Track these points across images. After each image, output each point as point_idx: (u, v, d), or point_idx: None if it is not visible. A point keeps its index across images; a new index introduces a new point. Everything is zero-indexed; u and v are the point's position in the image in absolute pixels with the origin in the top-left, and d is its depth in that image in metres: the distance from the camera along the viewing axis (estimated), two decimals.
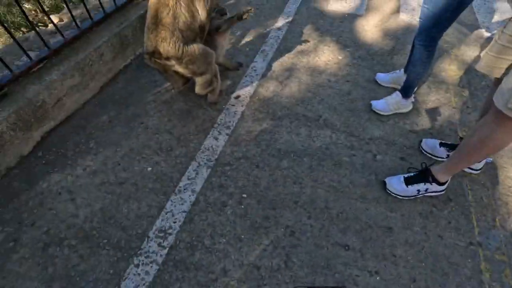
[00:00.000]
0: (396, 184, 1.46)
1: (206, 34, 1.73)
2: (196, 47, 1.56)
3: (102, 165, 1.57)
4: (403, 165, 1.62)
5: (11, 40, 1.53)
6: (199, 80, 1.71)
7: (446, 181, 1.43)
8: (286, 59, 2.27)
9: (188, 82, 1.88)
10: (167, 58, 1.52)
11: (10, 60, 1.68)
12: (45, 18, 2.10)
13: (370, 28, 2.64)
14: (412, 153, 1.69)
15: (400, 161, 1.65)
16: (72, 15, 1.72)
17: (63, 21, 2.17)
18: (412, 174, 1.47)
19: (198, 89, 1.77)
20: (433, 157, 1.64)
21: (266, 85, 2.06)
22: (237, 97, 1.97)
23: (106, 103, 1.90)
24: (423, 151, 1.68)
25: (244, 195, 1.48)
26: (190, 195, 1.47)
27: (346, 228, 1.38)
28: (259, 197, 1.47)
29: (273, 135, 1.75)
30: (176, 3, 1.45)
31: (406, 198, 1.47)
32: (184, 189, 1.49)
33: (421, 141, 1.70)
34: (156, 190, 1.48)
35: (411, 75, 1.72)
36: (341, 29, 2.61)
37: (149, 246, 1.29)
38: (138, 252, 1.28)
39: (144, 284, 1.19)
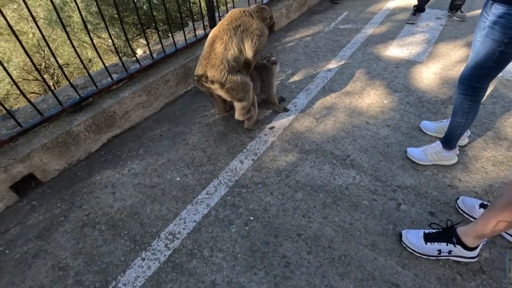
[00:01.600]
0: (413, 238, 1.32)
1: (252, 70, 1.96)
2: (238, 77, 1.78)
3: (143, 169, 1.85)
4: (430, 220, 1.46)
5: (111, 62, 2.02)
6: (237, 106, 1.92)
7: (476, 247, 1.23)
8: (328, 98, 2.34)
9: (230, 110, 2.10)
10: (212, 82, 1.77)
11: (100, 79, 2.19)
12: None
13: (428, 76, 2.52)
14: (445, 209, 1.51)
15: (428, 216, 1.48)
16: (149, 49, 2.17)
17: (146, 53, 2.73)
18: (434, 230, 1.32)
19: (237, 114, 1.97)
20: (470, 218, 1.44)
21: (302, 120, 2.14)
22: (272, 128, 2.10)
23: (162, 120, 2.26)
24: (459, 210, 1.48)
25: (252, 218, 1.54)
26: (204, 208, 1.60)
27: (346, 273, 1.30)
28: (265, 222, 1.52)
29: (295, 167, 1.80)
30: (229, 38, 1.72)
31: (425, 257, 1.31)
32: (201, 202, 1.63)
33: (458, 198, 1.51)
34: (177, 198, 1.67)
35: (452, 124, 1.59)
36: (394, 74, 2.57)
37: (158, 245, 1.45)
38: (147, 248, 1.44)
39: (143, 277, 1.34)
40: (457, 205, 1.49)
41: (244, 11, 1.77)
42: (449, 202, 1.54)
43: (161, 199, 1.67)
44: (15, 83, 1.62)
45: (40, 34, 1.65)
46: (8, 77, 1.57)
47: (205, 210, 1.59)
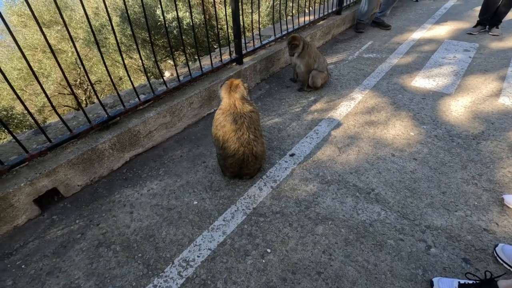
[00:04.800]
0: None
1: None
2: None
3: (161, 190, 1.85)
4: (465, 269, 1.33)
5: (139, 80, 2.10)
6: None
7: None
8: (351, 127, 2.29)
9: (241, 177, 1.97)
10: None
11: (128, 98, 2.27)
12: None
13: (457, 109, 2.42)
14: (481, 257, 1.37)
15: (462, 263, 1.36)
16: (177, 72, 2.25)
17: (173, 75, 2.83)
18: (470, 282, 1.19)
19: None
20: None
21: (324, 149, 2.09)
22: (292, 155, 2.06)
23: (184, 141, 2.28)
24: (498, 259, 1.34)
25: (268, 250, 1.47)
26: (220, 235, 1.55)
27: None
28: (282, 256, 1.44)
29: (316, 197, 1.73)
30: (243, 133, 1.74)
31: None
32: (217, 229, 1.59)
33: (496, 245, 1.37)
34: (194, 222, 1.63)
35: None
36: (421, 105, 2.49)
37: (171, 272, 1.41)
38: (160, 274, 1.40)
39: None
40: (496, 253, 1.36)
41: (239, 105, 1.80)
42: (486, 248, 1.41)
43: (177, 223, 1.64)
44: (49, 100, 1.70)
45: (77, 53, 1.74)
46: (47, 92, 1.65)
47: (221, 238, 1.54)
